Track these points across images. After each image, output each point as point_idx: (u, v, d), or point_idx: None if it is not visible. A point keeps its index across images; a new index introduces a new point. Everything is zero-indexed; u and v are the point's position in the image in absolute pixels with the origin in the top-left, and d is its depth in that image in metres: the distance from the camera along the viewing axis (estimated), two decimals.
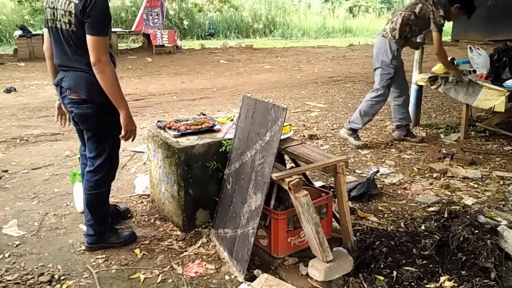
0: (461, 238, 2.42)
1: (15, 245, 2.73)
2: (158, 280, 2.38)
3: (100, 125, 2.49)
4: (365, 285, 2.24)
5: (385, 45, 4.49)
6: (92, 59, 2.28)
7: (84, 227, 2.91)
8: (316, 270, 2.24)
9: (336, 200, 2.59)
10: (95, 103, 2.41)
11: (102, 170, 2.57)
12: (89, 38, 2.27)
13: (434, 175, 3.82)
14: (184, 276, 2.40)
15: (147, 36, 14.07)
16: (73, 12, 2.28)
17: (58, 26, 2.37)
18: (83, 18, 2.26)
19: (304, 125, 5.60)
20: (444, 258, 2.38)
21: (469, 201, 3.27)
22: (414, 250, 2.47)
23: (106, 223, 2.72)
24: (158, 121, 3.14)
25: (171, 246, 2.71)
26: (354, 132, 4.63)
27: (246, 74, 10.59)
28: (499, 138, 4.80)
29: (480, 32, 17.11)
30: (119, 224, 2.99)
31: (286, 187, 2.21)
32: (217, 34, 20.56)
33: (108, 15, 2.33)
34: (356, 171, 3.97)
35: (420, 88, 5.33)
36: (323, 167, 2.39)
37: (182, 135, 2.90)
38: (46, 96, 7.72)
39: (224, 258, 2.53)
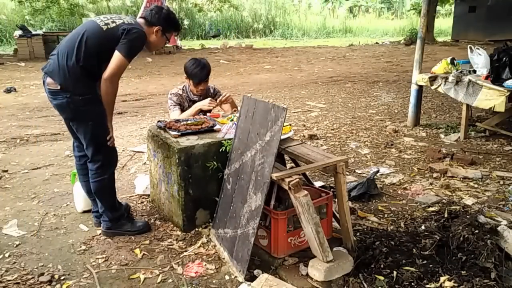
0: (461, 238, 2.42)
1: (15, 245, 2.73)
2: (158, 280, 2.38)
3: (76, 114, 2.60)
4: (365, 285, 2.24)
5: None
6: (106, 73, 2.54)
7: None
8: (316, 270, 2.24)
9: (336, 200, 2.59)
10: (69, 93, 2.53)
11: (99, 158, 2.70)
12: (115, 54, 2.54)
13: (434, 175, 3.82)
14: (184, 276, 2.40)
15: None
16: (117, 23, 2.61)
17: (101, 24, 2.62)
18: (120, 34, 2.57)
19: (304, 125, 5.61)
20: (444, 258, 2.38)
21: (469, 201, 3.27)
22: (414, 250, 2.47)
23: (118, 210, 2.86)
24: (158, 121, 3.14)
25: (171, 246, 2.71)
26: None
27: (246, 74, 10.59)
28: (499, 138, 4.80)
29: (480, 32, 17.14)
30: (142, 219, 3.08)
31: (286, 187, 2.20)
32: (221, 33, 20.47)
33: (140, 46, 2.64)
34: (356, 171, 3.97)
35: (420, 88, 5.34)
36: (323, 167, 2.39)
37: (182, 135, 2.90)
38: (46, 96, 7.71)
39: (224, 258, 2.53)
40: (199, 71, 3.42)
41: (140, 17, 2.74)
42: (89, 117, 2.60)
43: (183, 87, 3.61)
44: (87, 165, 2.77)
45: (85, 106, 2.56)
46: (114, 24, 2.55)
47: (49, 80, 2.56)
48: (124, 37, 2.49)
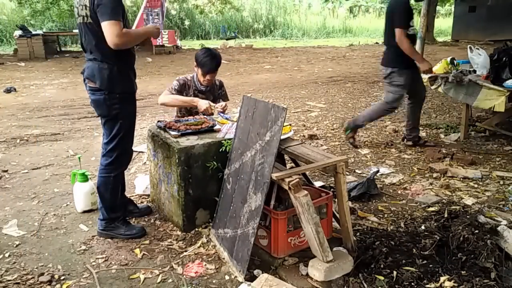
0: (461, 238, 2.42)
1: (15, 245, 2.73)
2: (158, 280, 2.38)
3: (110, 111, 2.65)
4: (365, 285, 2.24)
5: None
6: (109, 44, 2.45)
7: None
8: (316, 270, 2.24)
9: (336, 200, 2.59)
10: (107, 91, 2.61)
11: (112, 155, 2.73)
12: (102, 25, 2.43)
13: (434, 175, 3.82)
14: (184, 276, 2.40)
15: None
16: (87, 4, 2.47)
17: (79, 21, 2.59)
18: (95, 8, 2.44)
19: (304, 125, 5.60)
20: (444, 258, 2.38)
21: (469, 201, 3.27)
22: (414, 250, 2.46)
23: (116, 212, 2.83)
24: (158, 121, 3.14)
25: (171, 246, 2.71)
26: None
27: (246, 74, 10.59)
28: (499, 138, 4.80)
29: (480, 32, 17.14)
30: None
31: (286, 187, 2.21)
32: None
33: (116, 1, 2.46)
34: (356, 171, 3.97)
35: None
36: (323, 167, 2.39)
37: (182, 135, 2.90)
38: (46, 96, 7.72)
39: (224, 258, 2.53)
40: (209, 61, 3.41)
41: None
42: (121, 116, 2.65)
43: (192, 76, 3.61)
44: (100, 159, 2.81)
45: (119, 104, 2.62)
46: (86, 10, 2.50)
47: (88, 80, 2.66)
48: (97, 6, 2.42)
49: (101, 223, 2.81)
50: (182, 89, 3.55)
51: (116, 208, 2.83)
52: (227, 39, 18.74)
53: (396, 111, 4.67)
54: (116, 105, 2.62)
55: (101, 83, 2.59)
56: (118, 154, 2.74)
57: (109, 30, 2.42)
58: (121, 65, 2.62)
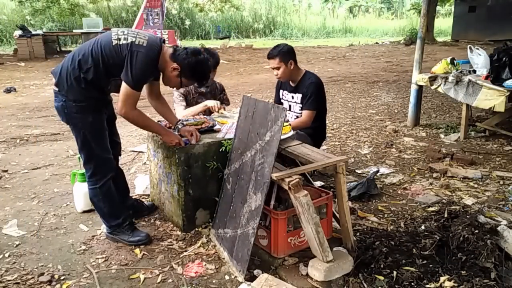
0: (461, 238, 2.42)
1: (15, 245, 2.74)
2: (158, 280, 2.38)
3: (69, 120, 2.57)
4: (365, 285, 2.24)
5: None
6: (117, 107, 2.49)
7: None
8: (316, 270, 2.24)
9: (336, 200, 2.59)
10: (65, 97, 2.50)
11: (90, 166, 2.67)
12: (122, 83, 2.43)
13: (434, 175, 3.82)
14: (184, 276, 2.40)
15: None
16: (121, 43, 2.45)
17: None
18: (123, 55, 2.42)
19: None
20: (444, 258, 2.38)
21: (469, 201, 3.27)
22: (414, 250, 2.47)
23: (115, 218, 2.75)
24: (158, 121, 3.14)
25: (171, 246, 2.71)
26: None
27: (246, 74, 10.59)
28: (499, 138, 4.80)
29: (480, 32, 17.14)
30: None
31: (286, 187, 2.21)
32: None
33: (146, 72, 2.47)
34: (356, 171, 3.97)
35: (420, 88, 5.34)
36: (323, 167, 2.39)
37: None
38: (46, 96, 7.72)
39: (224, 258, 2.53)
40: None
41: (172, 46, 2.65)
42: (81, 125, 2.54)
43: None
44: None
45: (78, 113, 2.51)
46: (125, 41, 2.40)
47: (53, 79, 2.56)
48: (127, 61, 2.36)
49: (107, 229, 2.79)
50: (185, 94, 3.59)
51: (115, 214, 2.75)
52: (220, 39, 18.74)
53: None
54: (74, 113, 2.50)
55: (58, 81, 2.47)
56: (96, 165, 2.65)
57: (125, 96, 2.40)
58: (92, 81, 2.47)
